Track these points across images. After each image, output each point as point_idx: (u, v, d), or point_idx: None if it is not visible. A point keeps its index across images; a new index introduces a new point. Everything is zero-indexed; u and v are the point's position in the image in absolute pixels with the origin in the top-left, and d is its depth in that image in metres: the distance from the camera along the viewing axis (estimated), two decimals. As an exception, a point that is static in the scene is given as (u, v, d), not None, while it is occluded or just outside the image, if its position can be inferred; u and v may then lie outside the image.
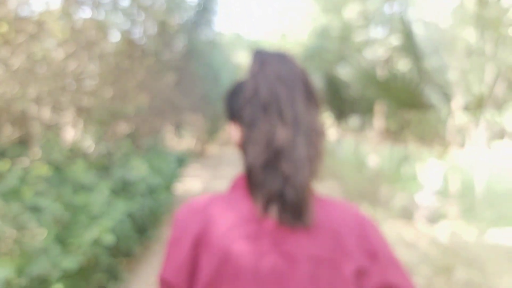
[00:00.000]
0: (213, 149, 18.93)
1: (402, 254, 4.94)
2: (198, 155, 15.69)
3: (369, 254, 0.81)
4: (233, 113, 0.91)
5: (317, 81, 12.56)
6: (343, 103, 11.99)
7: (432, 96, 5.95)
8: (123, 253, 3.80)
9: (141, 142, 5.84)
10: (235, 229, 0.79)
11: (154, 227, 5.19)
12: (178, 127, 14.38)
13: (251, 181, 0.80)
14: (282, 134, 0.78)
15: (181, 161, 7.10)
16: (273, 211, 0.78)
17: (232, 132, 0.92)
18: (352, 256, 0.79)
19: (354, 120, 12.61)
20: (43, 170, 2.53)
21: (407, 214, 6.60)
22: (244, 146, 0.83)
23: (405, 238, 5.52)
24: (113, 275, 3.29)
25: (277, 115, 0.79)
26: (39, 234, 2.34)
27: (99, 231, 2.48)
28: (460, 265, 4.32)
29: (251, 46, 24.90)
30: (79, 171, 3.00)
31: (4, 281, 1.78)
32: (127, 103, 5.68)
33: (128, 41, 6.98)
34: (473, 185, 9.05)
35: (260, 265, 0.77)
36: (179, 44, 9.35)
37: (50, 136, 4.20)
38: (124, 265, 3.88)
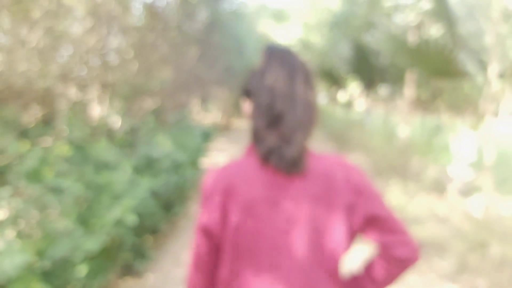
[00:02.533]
0: (238, 122, 18.85)
1: (434, 229, 4.77)
2: (223, 129, 15.67)
3: (354, 191, 1.02)
4: (246, 92, 1.10)
5: (345, 49, 12.12)
6: (372, 72, 11.54)
7: (466, 63, 5.57)
8: (149, 230, 3.80)
9: (166, 117, 5.79)
10: (252, 183, 1.01)
11: (180, 203, 5.19)
12: (204, 101, 14.32)
13: (255, 138, 1.03)
14: (280, 104, 1.00)
15: (207, 135, 7.04)
16: (272, 162, 0.99)
17: (245, 107, 1.12)
18: (341, 194, 1.01)
19: (383, 90, 12.17)
20: (65, 149, 2.49)
21: (439, 187, 6.34)
22: (251, 114, 1.05)
23: (437, 212, 5.31)
24: (139, 253, 3.30)
25: (281, 93, 1.01)
26: (61, 216, 2.32)
27: (122, 211, 2.45)
28: (495, 241, 4.12)
29: (276, 15, 24.24)
30: (102, 149, 2.96)
31: (26, 265, 1.76)
32: (152, 78, 5.60)
33: (150, 14, 6.85)
34: (509, 156, 8.63)
35: (275, 208, 1.00)
36: (202, 15, 9.13)
37: (75, 114, 4.20)
38: (151, 243, 3.90)
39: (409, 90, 8.41)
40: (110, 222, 2.37)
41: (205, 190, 1.06)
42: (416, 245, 1.06)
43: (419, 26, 7.16)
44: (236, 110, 17.02)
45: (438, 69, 5.56)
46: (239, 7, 11.53)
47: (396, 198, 5.80)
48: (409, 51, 5.57)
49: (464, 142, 6.17)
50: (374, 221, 1.03)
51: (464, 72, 5.54)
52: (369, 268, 1.11)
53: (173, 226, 4.72)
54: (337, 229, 1.01)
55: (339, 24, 11.65)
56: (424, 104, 8.96)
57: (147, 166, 3.91)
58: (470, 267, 3.76)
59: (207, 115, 17.55)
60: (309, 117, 1.04)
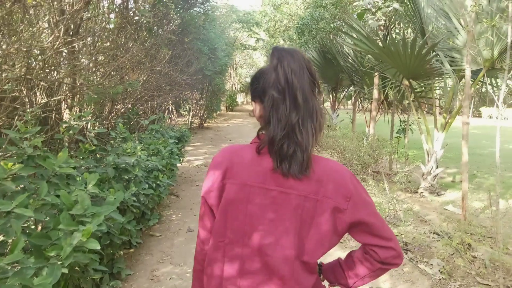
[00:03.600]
0: (212, 124, 18.26)
1: (417, 230, 4.47)
2: (198, 130, 15.07)
3: (344, 197, 1.04)
4: (255, 94, 1.10)
5: (313, 54, 11.83)
6: (338, 74, 11.32)
7: (438, 62, 5.33)
8: (119, 247, 3.28)
9: (139, 121, 5.22)
10: (251, 169, 1.06)
11: (155, 211, 4.66)
12: (177, 105, 13.69)
13: (272, 146, 1.02)
14: (295, 116, 1.00)
15: (182, 138, 6.51)
16: (284, 167, 1.02)
17: (255, 108, 1.11)
18: (330, 198, 1.03)
19: (351, 91, 11.97)
20: (9, 165, 1.95)
21: (412, 185, 6.11)
22: (267, 120, 1.03)
23: (416, 212, 5.04)
24: (109, 274, 2.77)
25: (292, 100, 1.00)
26: (8, 248, 1.79)
27: (82, 236, 1.94)
28: (478, 241, 3.85)
29: (244, 18, 23.81)
30: (62, 161, 2.43)
31: None
32: (122, 82, 5.02)
33: (122, 15, 6.24)
34: (476, 154, 8.52)
35: (265, 195, 1.04)
36: (175, 17, 8.56)
37: (36, 121, 3.61)
38: (123, 260, 3.37)
39: (377, 91, 8.18)
40: (68, 250, 1.86)
41: (212, 164, 1.13)
42: (400, 251, 1.09)
43: (388, 27, 6.90)
44: (208, 111, 16.40)
45: (411, 70, 5.29)
46: (210, 10, 11.00)
47: (372, 197, 5.50)
48: (381, 52, 5.26)
49: (435, 140, 5.95)
50: (360, 226, 1.06)
51: (437, 72, 5.29)
52: (354, 263, 1.15)
53: (148, 239, 4.20)
54: (321, 229, 1.02)
55: (307, 27, 11.33)
56: (392, 104, 8.78)
57: (116, 177, 3.38)
58: (458, 271, 3.46)
59: (180, 119, 16.89)
60: (318, 123, 1.04)
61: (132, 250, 3.82)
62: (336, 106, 13.01)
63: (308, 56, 12.53)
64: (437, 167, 6.04)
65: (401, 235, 4.27)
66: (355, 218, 1.04)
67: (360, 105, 10.51)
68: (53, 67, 4.02)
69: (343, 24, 9.87)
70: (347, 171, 1.09)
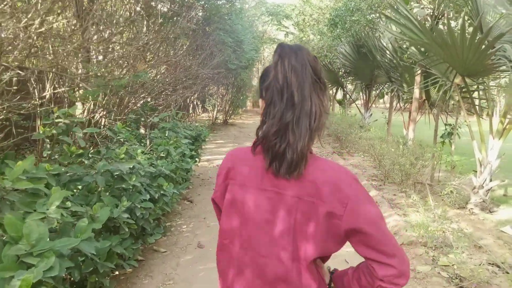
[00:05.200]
0: (237, 120, 17.67)
1: (472, 260, 3.69)
2: (222, 127, 14.52)
3: (341, 202, 0.98)
4: (261, 92, 1.09)
5: (346, 48, 10.98)
6: (374, 70, 10.44)
7: (497, 57, 4.47)
8: (108, 273, 2.71)
9: (149, 118, 4.65)
10: (249, 170, 1.07)
11: (161, 221, 4.09)
12: (199, 99, 13.17)
13: (265, 143, 1.01)
14: (290, 114, 0.96)
15: (198, 137, 5.91)
16: (275, 166, 1.00)
17: (261, 106, 1.09)
18: (325, 201, 0.98)
19: (385, 89, 11.04)
20: None
21: (461, 201, 5.25)
22: (263, 118, 1.02)
23: (468, 234, 4.23)
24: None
25: (289, 98, 0.96)
26: None
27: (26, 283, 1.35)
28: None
29: (274, 10, 22.99)
30: (22, 171, 1.86)
31: None
32: (142, 74, 4.47)
33: (145, 5, 5.71)
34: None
35: (261, 196, 1.04)
36: (197, 7, 7.97)
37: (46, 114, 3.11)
38: (117, 283, 2.81)
39: (418, 90, 7.31)
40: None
41: (219, 168, 1.16)
42: (404, 270, 1.00)
43: (438, 17, 6.02)
44: (233, 107, 15.79)
45: (468, 65, 4.45)
46: (236, 1, 10.36)
47: (416, 213, 4.73)
48: (434, 43, 4.41)
49: (489, 148, 5.08)
50: (358, 236, 1.00)
51: (499, 69, 4.43)
52: (359, 275, 1.08)
53: (151, 255, 3.63)
54: (316, 233, 1.00)
55: (341, 19, 10.49)
56: (434, 105, 7.87)
57: (110, 186, 2.81)
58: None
59: (206, 114, 16.38)
60: (315, 124, 0.99)
61: (129, 270, 3.26)
62: (370, 105, 12.13)
63: (341, 50, 11.78)
64: (490, 180, 5.17)
65: (453, 265, 3.51)
66: (351, 226, 0.99)
67: (398, 104, 9.59)
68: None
69: (380, 15, 9.00)
70: (347, 174, 1.04)
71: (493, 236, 4.31)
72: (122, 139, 3.29)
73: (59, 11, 3.80)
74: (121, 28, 4.72)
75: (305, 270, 1.02)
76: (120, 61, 4.12)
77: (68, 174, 2.72)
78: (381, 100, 24.95)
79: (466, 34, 4.12)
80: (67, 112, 2.70)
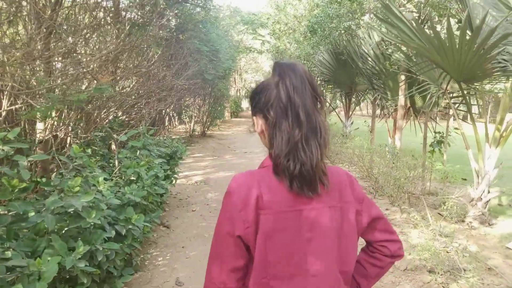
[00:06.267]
0: (215, 132, 17.12)
1: (481, 284, 3.31)
2: (199, 139, 13.95)
3: (358, 200, 1.06)
4: (257, 110, 1.05)
5: (324, 56, 10.68)
6: (354, 78, 10.16)
7: (499, 61, 4.18)
8: None
9: (118, 138, 4.10)
10: (278, 195, 0.98)
11: (133, 258, 3.52)
12: (175, 111, 12.59)
13: (277, 166, 0.98)
14: (298, 133, 0.95)
15: (174, 155, 5.37)
16: (295, 186, 0.96)
17: (256, 123, 1.07)
18: (351, 203, 1.04)
19: (369, 96, 10.78)
20: None
21: (458, 214, 4.91)
22: (270, 139, 1.00)
23: (474, 254, 3.87)
24: None
25: (294, 118, 0.96)
26: None
27: None
28: None
29: (249, 18, 22.68)
30: None
31: None
32: (105, 87, 3.92)
33: (113, 12, 5.18)
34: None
35: (298, 217, 0.98)
36: (170, 15, 7.46)
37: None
38: None
39: (403, 97, 7.03)
40: None
41: (235, 193, 1.00)
42: (401, 242, 1.14)
43: (424, 21, 5.74)
44: (211, 118, 15.24)
45: (466, 69, 4.13)
46: (211, 10, 9.92)
47: (415, 230, 4.34)
48: (431, 46, 4.05)
49: (486, 158, 4.78)
50: (374, 223, 1.09)
51: (498, 73, 4.13)
52: (364, 267, 1.15)
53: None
54: (351, 235, 1.03)
55: (320, 26, 10.21)
56: (419, 111, 7.62)
57: (60, 228, 2.26)
58: None
59: (182, 126, 15.74)
60: (323, 139, 0.99)
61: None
62: (350, 113, 11.86)
63: (319, 58, 11.48)
64: (489, 192, 4.86)
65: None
66: (370, 217, 1.07)
67: (382, 112, 9.31)
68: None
69: (360, 21, 8.75)
70: (350, 174, 1.10)
71: (501, 255, 3.96)
72: (79, 166, 2.74)
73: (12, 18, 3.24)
74: (86, 34, 4.17)
75: (348, 278, 1.06)
76: (79, 73, 3.57)
77: (9, 214, 2.18)
78: (357, 108, 24.95)
79: (465, 35, 3.81)
80: (5, 137, 2.16)
